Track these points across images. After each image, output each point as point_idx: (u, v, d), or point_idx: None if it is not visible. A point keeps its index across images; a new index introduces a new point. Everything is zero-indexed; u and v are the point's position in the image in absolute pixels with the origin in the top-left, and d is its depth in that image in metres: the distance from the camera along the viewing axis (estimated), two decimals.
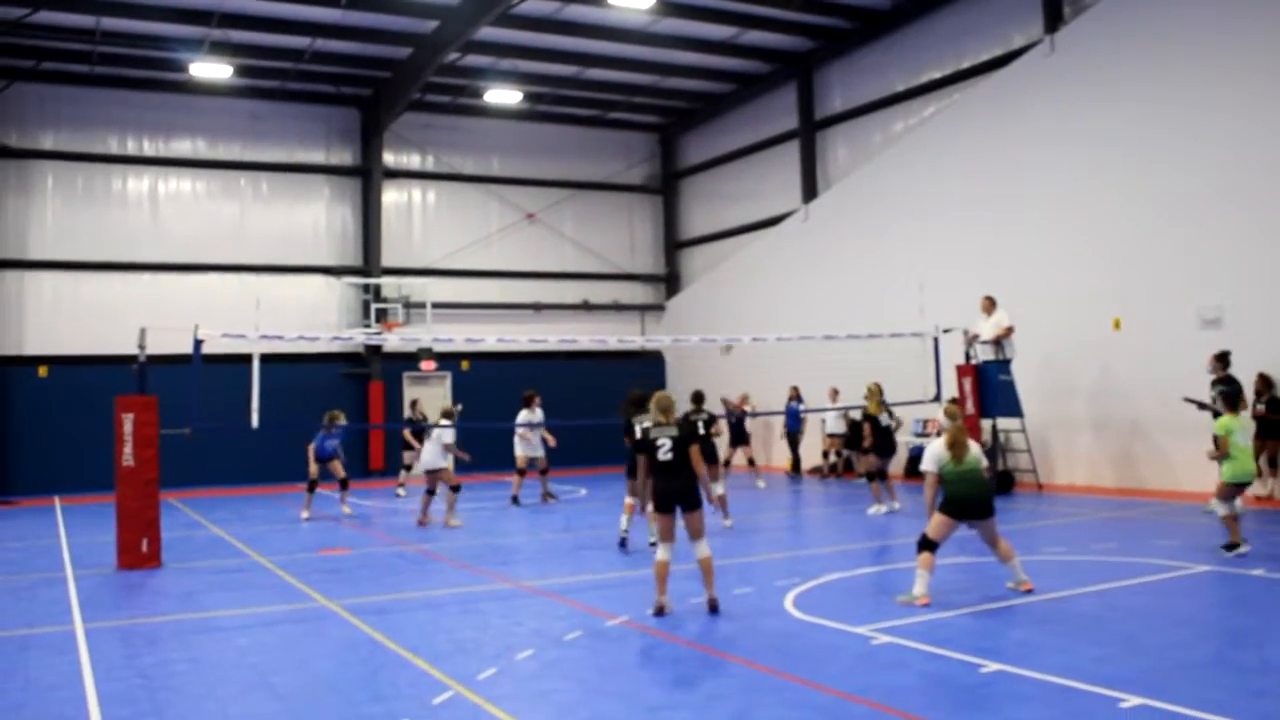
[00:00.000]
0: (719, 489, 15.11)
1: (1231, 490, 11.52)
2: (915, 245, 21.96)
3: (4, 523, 18.79)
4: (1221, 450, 11.46)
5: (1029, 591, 9.69)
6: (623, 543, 13.33)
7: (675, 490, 9.49)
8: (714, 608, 9.40)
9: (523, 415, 19.65)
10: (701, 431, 14.87)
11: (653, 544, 12.05)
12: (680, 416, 15.63)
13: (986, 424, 18.55)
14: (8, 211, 24.30)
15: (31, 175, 24.63)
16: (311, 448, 18.43)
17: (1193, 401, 14.60)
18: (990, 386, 18.44)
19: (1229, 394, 11.69)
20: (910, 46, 23.38)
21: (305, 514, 18.12)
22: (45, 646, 8.94)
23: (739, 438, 21.88)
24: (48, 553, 14.65)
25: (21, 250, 24.41)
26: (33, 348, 24.31)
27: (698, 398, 15.27)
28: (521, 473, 19.73)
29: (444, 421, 17.23)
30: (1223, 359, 14.92)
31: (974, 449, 9.88)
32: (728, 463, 19.96)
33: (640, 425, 9.96)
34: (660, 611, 9.29)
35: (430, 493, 17.05)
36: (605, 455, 23.85)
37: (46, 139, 24.85)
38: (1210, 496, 14.51)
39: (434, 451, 16.97)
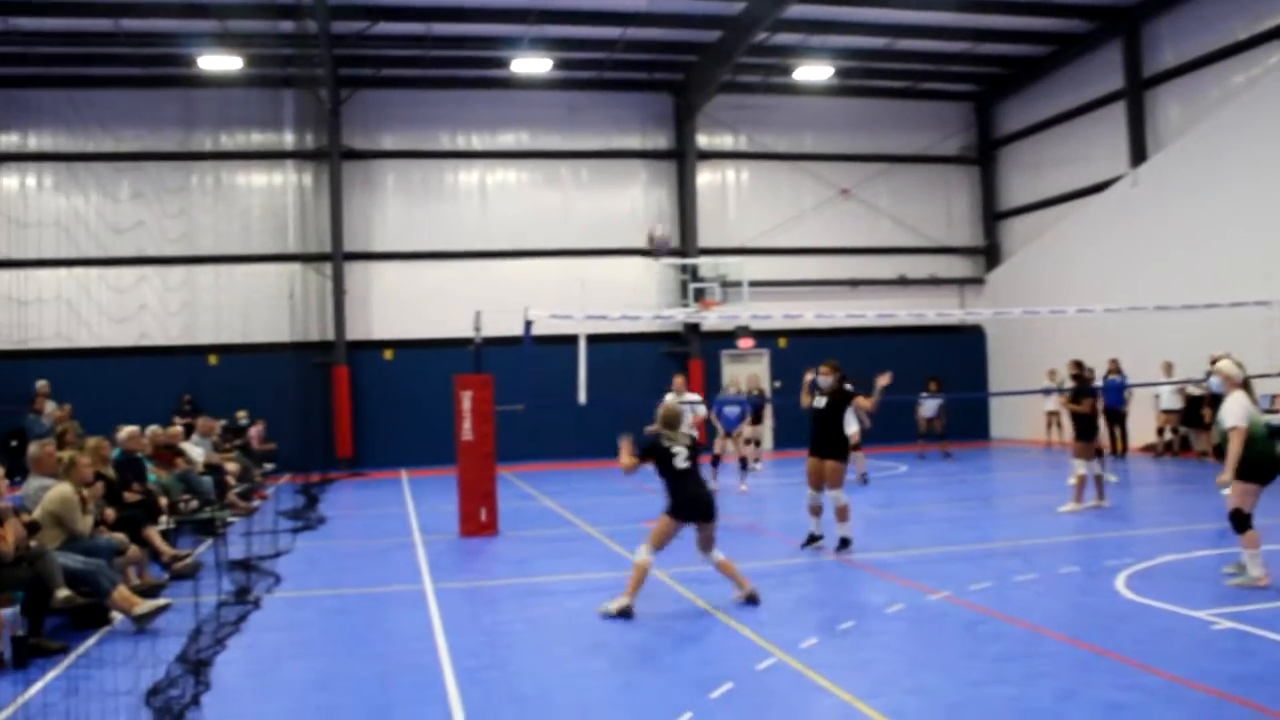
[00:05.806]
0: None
1: None
2: (1259, 208, 20.20)
3: (358, 493, 20.46)
4: None
5: None
6: (812, 538, 11.88)
7: (704, 498, 9.07)
8: (753, 600, 8.96)
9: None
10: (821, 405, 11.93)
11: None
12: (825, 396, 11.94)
13: None
14: (355, 208, 26.28)
15: (374, 174, 26.61)
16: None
17: None
18: None
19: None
20: None
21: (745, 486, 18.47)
22: (400, 602, 9.71)
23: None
24: (397, 520, 15.84)
25: (368, 243, 26.41)
26: (379, 333, 26.31)
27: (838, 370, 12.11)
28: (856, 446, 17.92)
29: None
30: None
31: None
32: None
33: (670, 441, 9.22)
34: (627, 614, 8.72)
35: None
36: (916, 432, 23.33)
37: (386, 140, 26.75)
38: None
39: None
